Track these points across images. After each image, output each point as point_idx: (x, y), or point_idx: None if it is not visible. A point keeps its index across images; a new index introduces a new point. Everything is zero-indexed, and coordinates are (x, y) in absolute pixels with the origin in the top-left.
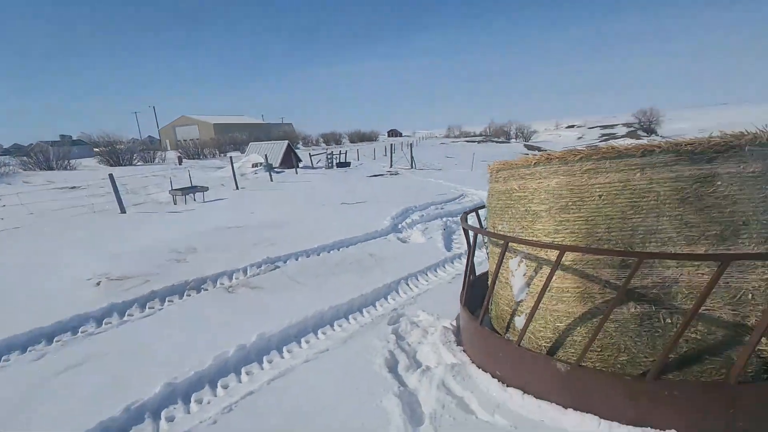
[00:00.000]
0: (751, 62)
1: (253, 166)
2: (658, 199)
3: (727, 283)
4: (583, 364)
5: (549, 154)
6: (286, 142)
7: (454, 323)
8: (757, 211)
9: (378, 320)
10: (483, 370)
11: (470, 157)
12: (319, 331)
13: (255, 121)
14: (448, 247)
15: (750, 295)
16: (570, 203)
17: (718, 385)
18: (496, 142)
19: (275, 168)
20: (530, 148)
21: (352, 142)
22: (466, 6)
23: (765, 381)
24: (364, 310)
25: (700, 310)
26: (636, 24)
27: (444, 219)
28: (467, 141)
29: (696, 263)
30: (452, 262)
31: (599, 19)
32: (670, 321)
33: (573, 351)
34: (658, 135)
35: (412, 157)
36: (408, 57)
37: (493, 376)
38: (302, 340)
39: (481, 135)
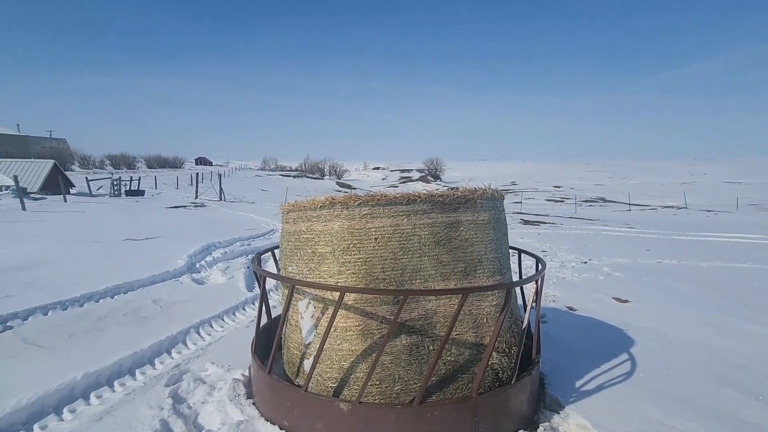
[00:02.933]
0: (503, 130)
1: None
2: (420, 242)
3: (470, 310)
4: (363, 400)
5: (333, 199)
6: (52, 161)
7: (247, 373)
8: (488, 251)
9: (153, 382)
10: (272, 423)
11: (285, 191)
12: (65, 410)
13: (4, 131)
14: (250, 287)
15: (485, 319)
16: (351, 245)
17: (464, 399)
18: (311, 177)
19: (32, 193)
20: (342, 185)
21: (150, 167)
22: (285, 39)
23: (497, 389)
24: (137, 372)
25: (452, 336)
26: (427, 89)
27: (250, 256)
28: (282, 175)
29: (448, 296)
30: (254, 303)
31: (396, 76)
32: (432, 348)
33: (356, 388)
34: (441, 180)
35: (221, 188)
36: (224, 81)
37: (281, 428)
38: (35, 426)
39: (296, 170)
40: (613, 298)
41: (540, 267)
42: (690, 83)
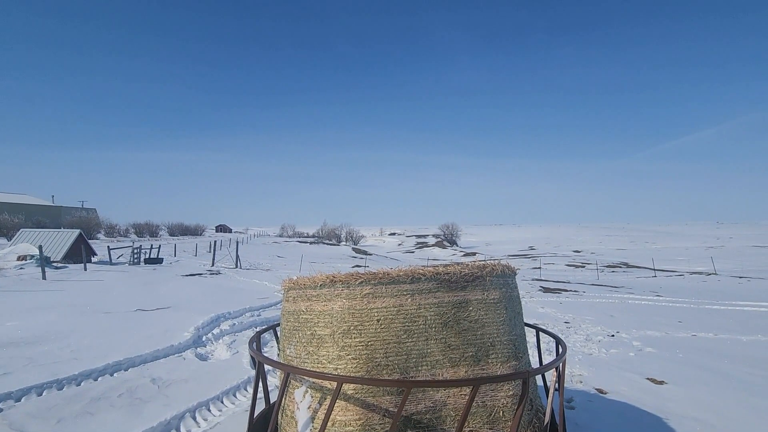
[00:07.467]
0: (520, 194)
1: (18, 259)
2: (426, 323)
3: (484, 402)
4: None
5: (333, 277)
6: (78, 231)
7: None
8: (501, 333)
9: None
10: None
11: (300, 257)
12: None
13: (40, 202)
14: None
15: (501, 411)
16: (352, 327)
17: None
18: (328, 244)
19: (54, 262)
20: (358, 251)
21: (171, 235)
22: (305, 113)
23: None
24: None
25: None
26: (443, 157)
27: (257, 328)
28: (300, 241)
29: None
30: None
31: (412, 145)
32: None
33: None
34: (458, 245)
35: (237, 256)
36: (247, 152)
37: None
38: None
39: (314, 236)
40: (647, 378)
41: (561, 350)
42: (708, 146)
